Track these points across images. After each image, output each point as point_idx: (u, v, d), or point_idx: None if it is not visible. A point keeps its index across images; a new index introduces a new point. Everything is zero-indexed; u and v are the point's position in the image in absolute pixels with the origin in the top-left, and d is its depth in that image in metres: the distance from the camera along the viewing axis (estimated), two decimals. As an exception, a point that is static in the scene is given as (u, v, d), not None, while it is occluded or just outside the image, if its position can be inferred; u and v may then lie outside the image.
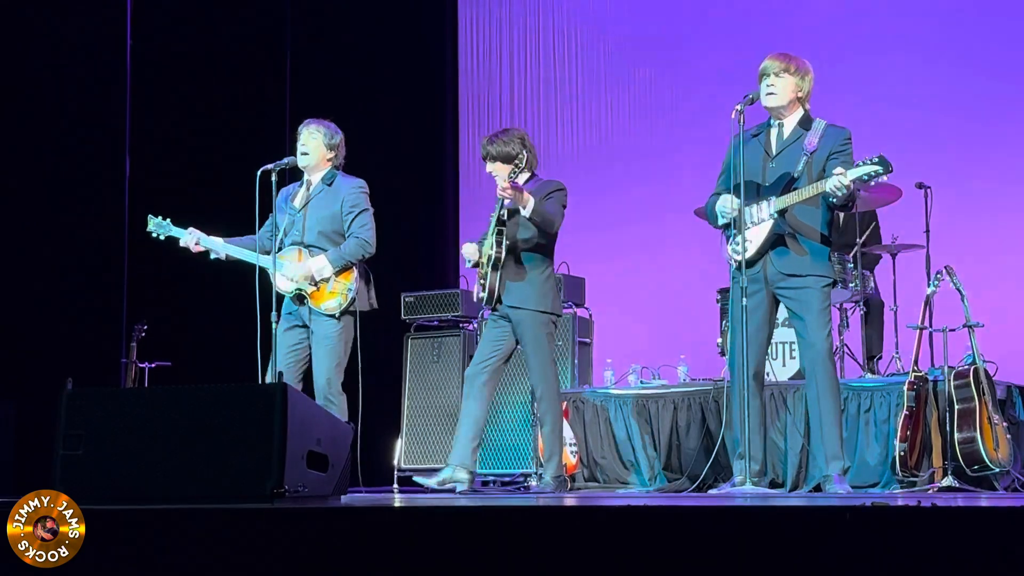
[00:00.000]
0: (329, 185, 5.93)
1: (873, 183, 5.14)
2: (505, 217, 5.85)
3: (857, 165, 5.07)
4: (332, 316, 5.80)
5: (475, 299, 6.07)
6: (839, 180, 4.99)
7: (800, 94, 5.31)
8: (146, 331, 7.96)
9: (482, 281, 5.91)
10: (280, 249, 5.88)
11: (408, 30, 9.88)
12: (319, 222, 5.88)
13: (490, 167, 6.03)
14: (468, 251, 6.04)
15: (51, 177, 8.18)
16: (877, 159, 5.03)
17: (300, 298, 5.81)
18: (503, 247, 5.83)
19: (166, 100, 8.76)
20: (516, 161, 5.91)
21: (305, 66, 9.57)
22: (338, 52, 9.64)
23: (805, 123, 5.30)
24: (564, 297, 7.68)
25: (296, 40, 9.62)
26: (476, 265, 6.01)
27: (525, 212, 5.78)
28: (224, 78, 8.98)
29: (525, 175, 5.99)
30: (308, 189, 5.97)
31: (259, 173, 5.74)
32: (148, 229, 6.06)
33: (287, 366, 5.76)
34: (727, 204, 5.29)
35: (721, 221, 5.35)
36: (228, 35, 9.04)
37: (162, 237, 6.04)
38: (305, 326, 5.86)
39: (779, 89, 5.26)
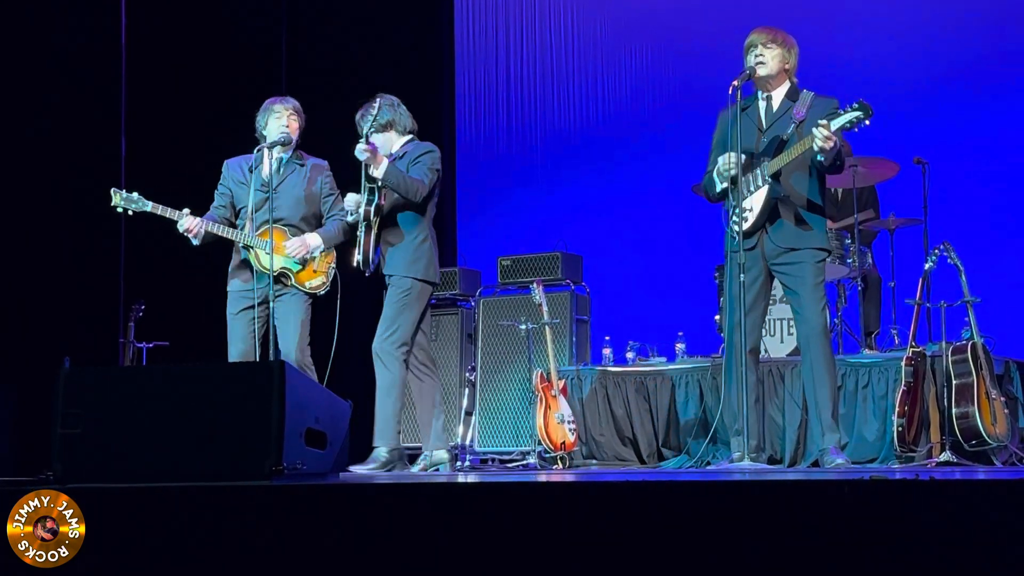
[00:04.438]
0: (301, 165, 5.97)
1: (856, 129, 5.12)
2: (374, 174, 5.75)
3: (838, 113, 5.07)
4: (312, 294, 5.87)
5: (354, 263, 5.89)
6: (822, 131, 4.99)
7: (787, 66, 5.33)
8: (144, 311, 7.95)
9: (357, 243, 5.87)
10: (253, 226, 5.85)
11: (405, 12, 9.85)
12: (297, 202, 5.91)
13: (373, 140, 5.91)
14: (351, 201, 5.85)
15: (47, 158, 8.15)
16: (857, 104, 5.04)
17: (281, 276, 5.81)
18: (372, 206, 5.75)
19: (162, 78, 8.73)
20: (393, 128, 5.88)
21: (301, 47, 9.53)
22: (334, 33, 9.62)
23: (793, 95, 5.32)
24: (562, 275, 7.69)
25: (292, 22, 9.59)
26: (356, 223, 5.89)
27: (376, 173, 5.70)
28: (220, 58, 8.94)
29: (404, 138, 5.92)
30: (279, 167, 5.92)
31: (256, 150, 5.75)
32: (112, 204, 5.80)
33: (250, 347, 5.81)
34: (725, 162, 5.28)
35: (720, 186, 5.34)
36: (225, 16, 9.00)
37: (131, 212, 5.80)
38: (264, 303, 5.85)
39: (768, 59, 5.27)
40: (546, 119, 9.89)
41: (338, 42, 9.55)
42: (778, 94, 5.33)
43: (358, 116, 5.91)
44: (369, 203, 5.75)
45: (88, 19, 8.35)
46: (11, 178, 8.01)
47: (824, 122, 5.01)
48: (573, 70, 9.84)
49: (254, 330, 5.85)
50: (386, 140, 5.91)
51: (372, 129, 5.76)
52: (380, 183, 5.72)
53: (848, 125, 5.05)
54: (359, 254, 5.80)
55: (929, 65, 8.34)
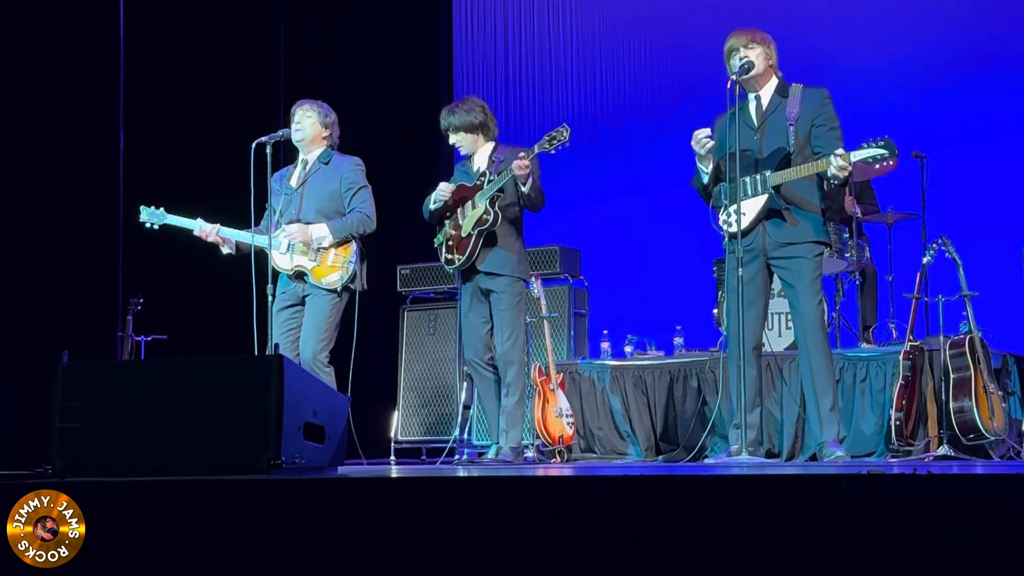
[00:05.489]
0: (326, 164, 5.99)
1: (877, 166, 5.07)
2: (505, 184, 5.83)
3: (861, 147, 5.00)
4: (332, 290, 5.81)
5: (442, 260, 6.04)
6: (840, 162, 4.94)
7: (771, 62, 5.36)
8: (142, 304, 7.95)
9: (450, 242, 5.93)
10: (277, 228, 5.90)
11: (403, 7, 9.84)
12: (317, 200, 5.90)
13: (453, 139, 6.06)
14: (445, 189, 5.95)
15: (46, 151, 8.15)
16: (883, 142, 4.95)
17: (299, 275, 5.82)
18: (494, 210, 5.83)
19: (161, 76, 8.73)
20: (483, 130, 5.99)
21: (300, 41, 9.53)
22: (332, 27, 9.61)
23: (782, 91, 5.33)
24: (560, 269, 7.71)
25: (290, 22, 9.59)
26: (437, 217, 5.99)
27: (524, 188, 5.78)
28: (219, 56, 8.94)
29: (490, 144, 6.03)
30: (305, 168, 6.00)
31: (254, 145, 5.75)
32: (141, 219, 6.14)
33: (284, 345, 5.78)
34: (699, 139, 5.30)
35: (705, 178, 5.37)
36: (223, 14, 9.00)
37: (156, 227, 6.12)
38: (300, 304, 5.88)
39: (753, 58, 5.29)
40: (544, 114, 9.88)
41: (334, 36, 9.54)
42: (767, 91, 5.35)
43: (446, 112, 6.03)
44: (487, 212, 5.82)
45: (88, 20, 8.35)
46: (10, 172, 8.02)
47: (843, 152, 4.97)
48: (571, 64, 9.83)
49: (287, 330, 5.87)
50: (474, 142, 6.01)
51: (539, 149, 5.76)
52: (523, 196, 5.80)
53: (870, 160, 4.98)
54: (457, 254, 5.89)
55: (928, 59, 8.34)
